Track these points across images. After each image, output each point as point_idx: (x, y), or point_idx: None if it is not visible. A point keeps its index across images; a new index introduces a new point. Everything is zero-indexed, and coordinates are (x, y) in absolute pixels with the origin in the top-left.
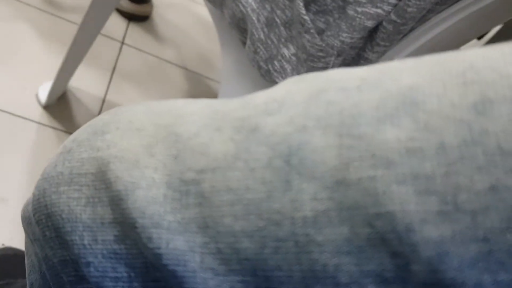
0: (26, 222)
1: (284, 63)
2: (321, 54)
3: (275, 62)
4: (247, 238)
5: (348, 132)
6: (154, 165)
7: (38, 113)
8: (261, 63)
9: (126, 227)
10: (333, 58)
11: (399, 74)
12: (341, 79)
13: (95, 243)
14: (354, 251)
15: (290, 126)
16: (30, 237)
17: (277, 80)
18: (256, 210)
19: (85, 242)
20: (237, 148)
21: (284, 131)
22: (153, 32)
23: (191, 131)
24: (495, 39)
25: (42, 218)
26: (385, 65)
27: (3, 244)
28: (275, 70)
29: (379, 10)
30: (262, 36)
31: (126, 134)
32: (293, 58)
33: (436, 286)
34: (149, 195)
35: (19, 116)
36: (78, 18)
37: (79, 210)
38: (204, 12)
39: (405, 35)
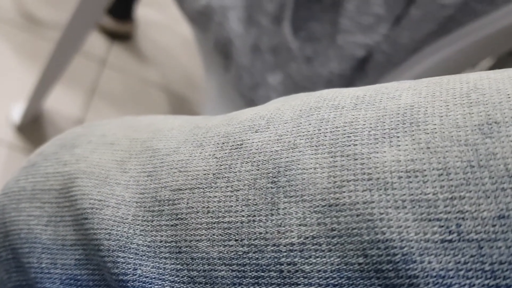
0: None
1: (270, 92)
2: (308, 83)
3: (260, 91)
4: (224, 266)
5: (341, 152)
6: (126, 182)
7: (11, 134)
8: (245, 91)
9: (89, 250)
10: (321, 88)
11: (398, 93)
12: (335, 97)
13: (53, 267)
14: (344, 283)
15: (279, 144)
16: None
17: None
18: (237, 235)
19: (43, 265)
20: (219, 166)
21: (271, 148)
22: (136, 52)
23: (169, 147)
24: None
25: None
26: (383, 85)
27: None
28: (260, 100)
29: (369, 40)
30: (246, 62)
31: (98, 149)
32: (280, 87)
33: None
34: (117, 214)
35: None
36: (56, 35)
37: (39, 229)
38: (188, 32)
39: (396, 66)
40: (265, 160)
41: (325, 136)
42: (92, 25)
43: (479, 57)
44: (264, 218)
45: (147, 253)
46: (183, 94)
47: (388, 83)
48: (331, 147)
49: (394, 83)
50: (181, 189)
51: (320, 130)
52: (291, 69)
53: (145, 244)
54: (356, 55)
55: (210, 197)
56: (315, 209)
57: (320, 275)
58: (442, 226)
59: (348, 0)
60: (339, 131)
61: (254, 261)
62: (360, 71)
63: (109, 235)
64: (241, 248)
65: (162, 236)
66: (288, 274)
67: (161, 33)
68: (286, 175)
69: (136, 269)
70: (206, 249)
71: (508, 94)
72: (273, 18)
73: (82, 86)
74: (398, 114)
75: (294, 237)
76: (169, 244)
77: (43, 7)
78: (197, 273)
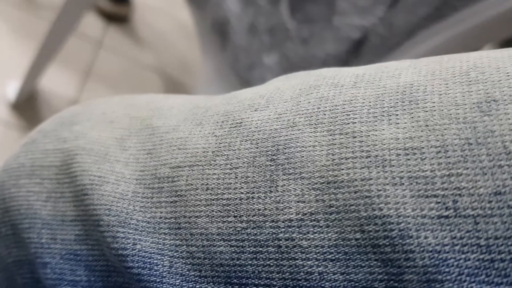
0: None
1: (266, 72)
2: (304, 64)
3: (256, 71)
4: (223, 241)
5: (340, 130)
6: (125, 159)
7: (6, 112)
8: (241, 71)
9: (89, 225)
10: None
11: (398, 72)
12: (335, 75)
13: (53, 242)
14: (342, 258)
15: (278, 122)
16: None
17: None
18: (236, 211)
19: (43, 240)
20: (219, 144)
21: (271, 127)
22: (132, 35)
23: (169, 125)
24: None
25: None
26: (383, 64)
27: None
28: (255, 80)
29: (365, 22)
30: (243, 42)
31: (97, 126)
32: (276, 67)
33: None
34: (117, 190)
35: None
36: (52, 15)
37: (39, 205)
38: (186, 17)
39: (392, 49)
40: (264, 138)
41: (324, 114)
42: (88, 6)
43: (476, 44)
44: (263, 195)
45: (146, 229)
46: (178, 78)
47: (388, 62)
48: (330, 125)
49: (394, 62)
50: (180, 167)
51: (319, 108)
52: (288, 49)
53: (144, 220)
54: (352, 37)
55: (209, 174)
56: (314, 186)
57: (317, 250)
58: (439, 203)
59: None
60: (338, 109)
61: (253, 237)
62: (356, 54)
63: (108, 211)
64: (239, 224)
65: (161, 212)
66: (286, 249)
67: (157, 16)
68: (285, 153)
69: (135, 244)
70: (205, 225)
71: (508, 73)
72: None
73: (77, 66)
74: (398, 92)
75: (292, 214)
76: (169, 220)
77: None
78: (196, 249)
